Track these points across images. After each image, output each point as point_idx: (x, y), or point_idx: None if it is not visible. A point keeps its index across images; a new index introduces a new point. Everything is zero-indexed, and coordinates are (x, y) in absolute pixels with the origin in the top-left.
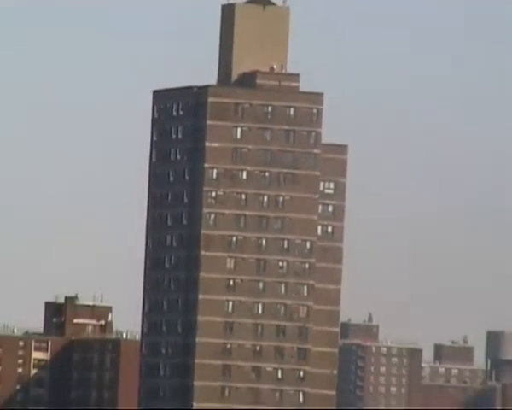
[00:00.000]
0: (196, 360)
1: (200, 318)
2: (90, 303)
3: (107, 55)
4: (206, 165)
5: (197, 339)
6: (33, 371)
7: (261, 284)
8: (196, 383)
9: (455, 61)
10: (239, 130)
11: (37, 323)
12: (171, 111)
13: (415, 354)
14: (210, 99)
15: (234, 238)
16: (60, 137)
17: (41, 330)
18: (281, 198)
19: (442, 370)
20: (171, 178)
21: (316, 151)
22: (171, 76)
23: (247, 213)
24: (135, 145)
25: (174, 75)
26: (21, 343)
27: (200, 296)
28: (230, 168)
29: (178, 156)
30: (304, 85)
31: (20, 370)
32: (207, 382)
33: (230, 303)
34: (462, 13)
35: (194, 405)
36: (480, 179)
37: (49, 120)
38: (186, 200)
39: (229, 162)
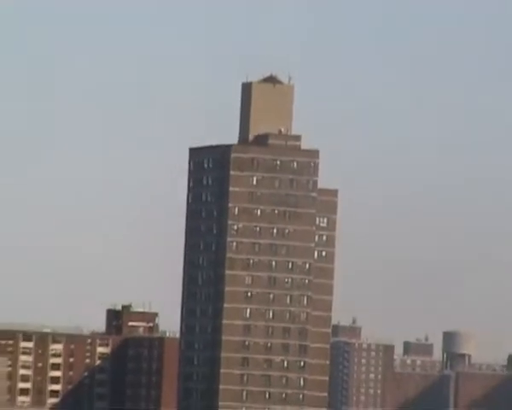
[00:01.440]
0: (222, 354)
1: (224, 321)
2: (141, 310)
3: (155, 122)
4: (229, 204)
5: (223, 337)
6: (98, 362)
7: (272, 296)
8: (222, 370)
9: (441, 116)
10: (255, 178)
11: (100, 325)
12: (203, 164)
13: (388, 349)
14: (233, 155)
15: (251, 261)
16: (119, 185)
17: (103, 330)
18: (286, 230)
19: (409, 361)
20: (203, 214)
21: (313, 194)
22: (203, 137)
23: (261, 241)
24: (176, 190)
25: (205, 136)
26: (89, 341)
27: (225, 305)
28: (248, 207)
29: (209, 198)
30: (304, 144)
31: (87, 361)
32: (230, 370)
33: (248, 310)
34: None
35: (220, 386)
36: (460, 206)
37: (104, 176)
38: (215, 231)
39: (247, 202)
